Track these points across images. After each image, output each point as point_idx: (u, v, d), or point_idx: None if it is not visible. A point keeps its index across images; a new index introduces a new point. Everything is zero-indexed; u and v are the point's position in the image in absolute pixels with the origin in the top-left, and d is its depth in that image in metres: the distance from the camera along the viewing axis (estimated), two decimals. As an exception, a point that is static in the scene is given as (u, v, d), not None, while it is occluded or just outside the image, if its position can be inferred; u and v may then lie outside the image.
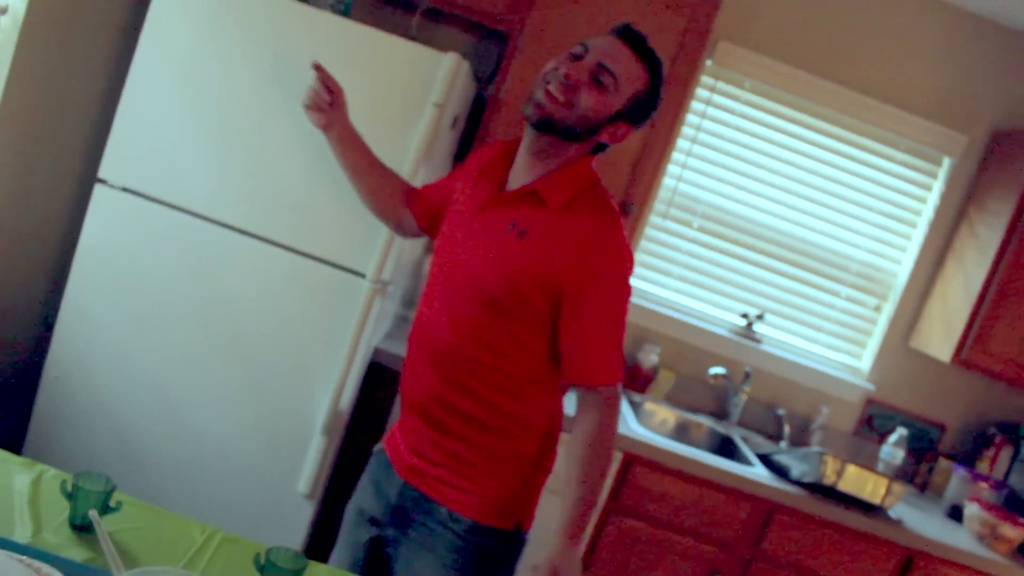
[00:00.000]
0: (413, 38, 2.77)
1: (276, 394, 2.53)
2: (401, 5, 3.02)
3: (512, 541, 1.77)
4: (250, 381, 2.53)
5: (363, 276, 2.46)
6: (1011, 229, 3.05)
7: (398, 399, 2.37)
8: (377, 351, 2.67)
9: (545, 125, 1.64)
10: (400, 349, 2.71)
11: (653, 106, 1.71)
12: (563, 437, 1.79)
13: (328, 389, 2.50)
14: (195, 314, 2.52)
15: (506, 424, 1.72)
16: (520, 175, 1.72)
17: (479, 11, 2.86)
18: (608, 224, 1.66)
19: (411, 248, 2.80)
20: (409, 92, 2.42)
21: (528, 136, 1.70)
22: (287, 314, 2.50)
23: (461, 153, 3.04)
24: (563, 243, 1.63)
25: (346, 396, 2.51)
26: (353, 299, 2.47)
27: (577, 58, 1.66)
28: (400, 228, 2.10)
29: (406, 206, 2.05)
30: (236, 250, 2.49)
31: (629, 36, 1.68)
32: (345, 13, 2.80)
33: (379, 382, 2.70)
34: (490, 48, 3.20)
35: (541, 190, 1.66)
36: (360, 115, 2.40)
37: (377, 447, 1.96)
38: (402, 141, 2.42)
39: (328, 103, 2.02)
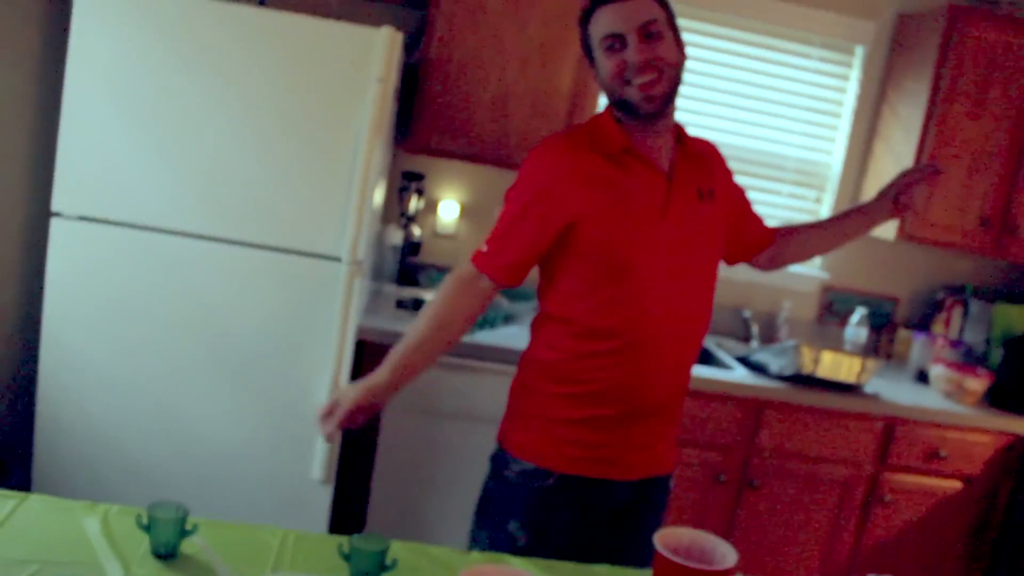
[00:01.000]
0: (337, 17, 2.78)
1: (274, 389, 2.57)
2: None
3: None
4: (246, 382, 2.56)
5: (338, 260, 2.50)
6: (931, 104, 3.20)
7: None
8: (361, 329, 2.71)
9: (662, 106, 1.76)
10: (380, 323, 2.76)
11: (673, 12, 1.80)
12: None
13: (325, 375, 2.54)
14: (178, 327, 2.53)
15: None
16: (664, 152, 1.83)
17: (396, -21, 2.87)
18: (704, 140, 2.00)
19: (374, 223, 2.84)
20: (349, 72, 2.44)
21: (644, 127, 1.79)
22: (270, 310, 2.53)
23: (401, 123, 3.06)
24: (722, 177, 1.96)
25: (343, 379, 2.56)
26: (332, 283, 2.51)
27: (614, 48, 1.72)
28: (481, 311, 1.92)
29: (498, 285, 1.85)
30: (206, 257, 2.50)
31: None
32: (261, 3, 2.79)
33: (366, 358, 2.74)
34: (411, 14, 3.21)
35: (703, 148, 1.94)
36: (303, 103, 2.44)
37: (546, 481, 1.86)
38: (351, 122, 2.45)
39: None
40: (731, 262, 2.13)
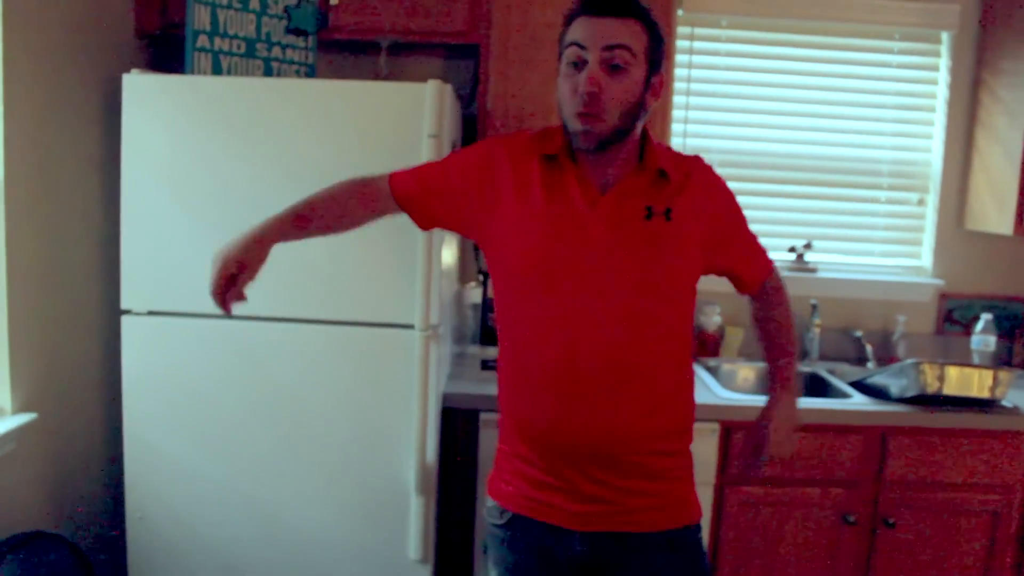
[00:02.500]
0: (385, 77, 2.71)
1: (360, 469, 2.46)
2: (363, 51, 2.96)
3: None
4: (330, 462, 2.46)
5: (412, 327, 2.39)
6: (1035, 83, 2.94)
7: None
8: (446, 396, 2.59)
9: (604, 144, 1.62)
10: (465, 387, 2.64)
11: (662, 42, 1.65)
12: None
13: (411, 449, 2.42)
14: (256, 413, 2.45)
15: None
16: (609, 169, 1.68)
17: (440, 32, 2.79)
18: (696, 158, 1.79)
19: (449, 284, 2.72)
20: (401, 132, 2.35)
21: (592, 156, 1.66)
22: (348, 385, 2.44)
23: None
24: (700, 199, 1.71)
25: (430, 450, 2.43)
26: (408, 352, 2.39)
27: (578, 65, 1.59)
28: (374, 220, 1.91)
29: (399, 205, 1.83)
30: (277, 338, 2.43)
31: (600, 7, 1.60)
32: (311, 75, 2.75)
33: (457, 425, 2.62)
34: (462, 66, 3.13)
35: (674, 167, 1.71)
36: (359, 169, 2.34)
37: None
38: (409, 182, 2.35)
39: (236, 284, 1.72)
40: (739, 291, 1.95)
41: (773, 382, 1.95)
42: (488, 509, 1.81)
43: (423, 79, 2.36)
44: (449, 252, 2.70)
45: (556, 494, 1.69)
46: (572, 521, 1.69)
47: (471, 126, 2.91)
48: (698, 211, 1.70)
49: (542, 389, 1.66)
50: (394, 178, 1.82)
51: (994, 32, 3.18)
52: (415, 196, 1.80)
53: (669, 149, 1.78)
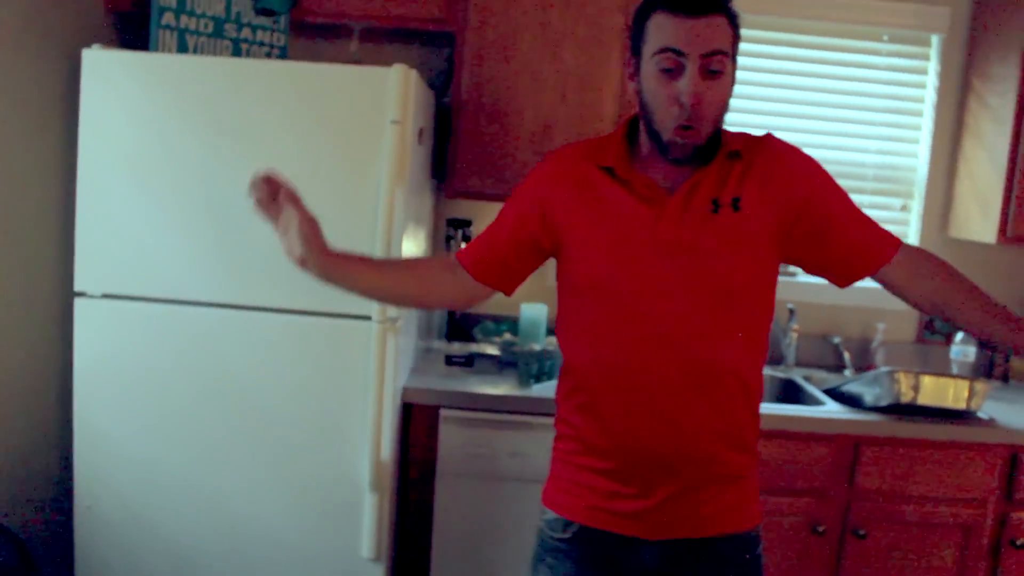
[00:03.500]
0: (359, 63, 2.64)
1: (314, 463, 2.40)
2: (338, 35, 2.89)
3: None
4: (283, 454, 2.40)
5: (369, 318, 2.32)
6: (1023, 89, 2.87)
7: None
8: (407, 391, 2.52)
9: (699, 151, 1.57)
10: (427, 382, 2.57)
11: (739, 32, 1.58)
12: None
13: (365, 442, 2.35)
14: (210, 402, 2.40)
15: None
16: (668, 174, 1.61)
17: (415, 18, 2.73)
18: (767, 135, 1.70)
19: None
20: (366, 117, 2.29)
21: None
22: (303, 377, 2.37)
23: (438, 166, 2.90)
24: (773, 180, 1.62)
25: (385, 446, 2.37)
26: (365, 344, 2.33)
27: (672, 71, 1.51)
28: (463, 303, 1.84)
29: (477, 280, 1.75)
30: (234, 326, 2.37)
31: (693, 6, 1.49)
32: (282, 57, 2.69)
33: (415, 420, 2.55)
34: (438, 54, 3.06)
35: (744, 147, 1.63)
36: (321, 156, 2.30)
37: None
38: (371, 171, 2.29)
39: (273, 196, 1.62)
40: (841, 283, 1.72)
41: (1009, 324, 1.65)
42: (547, 522, 1.74)
43: (394, 64, 2.30)
44: (415, 243, 2.64)
45: (627, 502, 1.64)
46: (643, 530, 1.64)
47: (446, 116, 2.84)
48: (772, 193, 1.61)
49: (614, 397, 1.62)
50: (467, 261, 1.75)
51: (984, 36, 3.11)
52: (492, 269, 1.74)
53: (740, 132, 1.68)
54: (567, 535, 1.69)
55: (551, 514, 1.73)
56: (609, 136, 1.69)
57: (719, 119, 1.57)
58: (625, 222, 1.60)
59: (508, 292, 1.78)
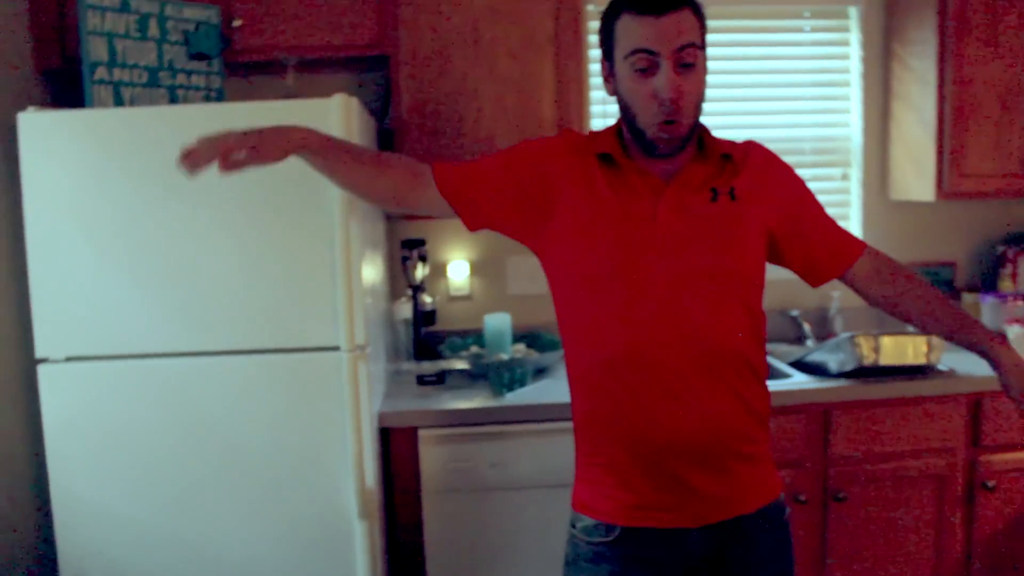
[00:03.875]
0: (295, 96, 2.65)
1: (299, 500, 2.39)
2: (271, 71, 2.89)
3: None
4: (268, 497, 2.39)
5: (337, 349, 2.33)
6: (942, 50, 2.96)
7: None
8: (383, 416, 2.53)
9: (683, 143, 1.63)
10: (402, 405, 2.59)
11: (704, 19, 1.62)
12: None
13: (349, 474, 2.36)
14: (188, 452, 2.37)
15: None
16: (663, 166, 1.66)
17: (348, 46, 2.75)
18: (750, 142, 1.79)
19: (376, 302, 2.67)
20: (310, 150, 2.29)
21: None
22: (278, 416, 2.36)
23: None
24: (760, 180, 1.70)
25: (368, 473, 2.38)
26: (337, 375, 2.33)
27: (647, 70, 1.56)
28: (416, 208, 1.80)
29: (442, 195, 1.74)
30: (201, 373, 2.35)
31: (659, 5, 1.54)
32: (219, 99, 2.68)
33: (396, 445, 2.56)
34: (373, 79, 3.08)
35: (732, 150, 1.71)
36: (272, 195, 2.29)
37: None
38: (324, 203, 2.29)
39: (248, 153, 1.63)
40: (807, 280, 1.83)
41: (976, 341, 1.77)
42: (584, 528, 1.71)
43: (333, 95, 2.31)
44: (373, 269, 2.65)
45: (666, 495, 1.65)
46: (685, 520, 1.65)
47: (387, 139, 2.86)
48: (760, 193, 1.68)
49: (633, 390, 1.62)
50: (437, 167, 1.76)
51: (899, 3, 3.21)
52: (460, 188, 1.74)
53: (725, 139, 1.75)
54: (610, 539, 1.68)
55: (588, 520, 1.71)
56: (604, 130, 1.73)
57: (698, 109, 1.62)
58: (625, 210, 1.63)
59: (469, 224, 1.77)
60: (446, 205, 1.74)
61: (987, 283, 3.43)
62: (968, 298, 3.33)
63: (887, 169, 3.34)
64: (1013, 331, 2.93)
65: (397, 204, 1.78)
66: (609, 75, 1.65)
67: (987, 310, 3.15)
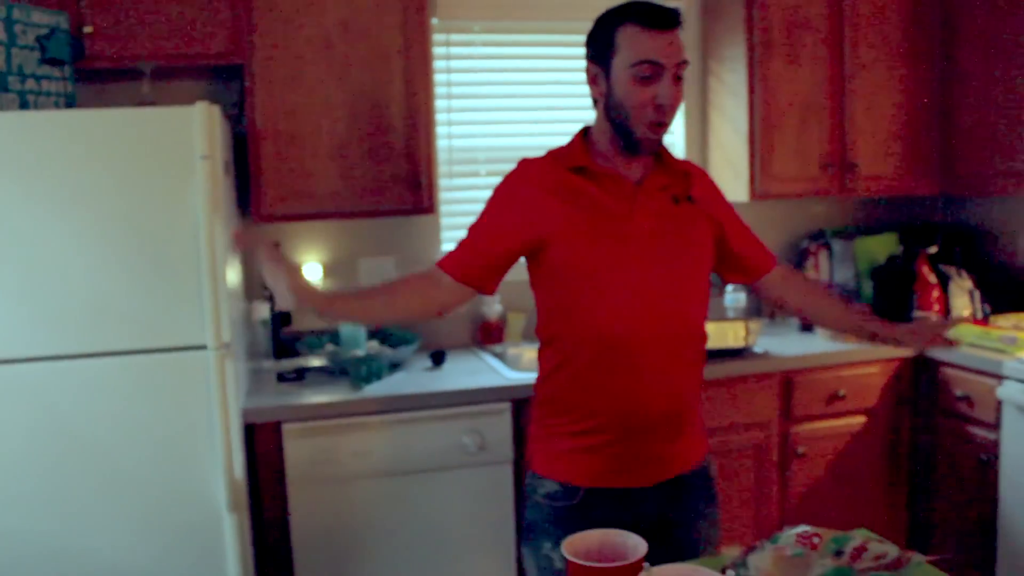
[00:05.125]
0: (150, 103, 2.70)
1: (169, 498, 2.44)
2: (126, 77, 2.92)
3: None
4: (139, 498, 2.42)
5: (204, 348, 2.41)
6: (750, 65, 3.32)
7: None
8: (247, 412, 2.62)
9: (658, 148, 1.87)
10: (265, 401, 2.68)
11: None
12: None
13: (218, 468, 2.43)
14: (54, 462, 2.37)
15: None
16: (634, 168, 1.87)
17: (203, 55, 2.81)
18: (687, 161, 2.06)
19: (236, 302, 2.75)
20: (172, 155, 2.36)
21: (631, 157, 1.86)
22: (146, 416, 2.41)
23: (242, 197, 3.00)
24: (703, 190, 1.98)
25: (237, 466, 2.46)
26: (204, 373, 2.40)
27: (646, 79, 1.75)
28: (443, 309, 1.98)
29: (460, 283, 1.92)
30: (66, 378, 2.36)
31: (665, 21, 1.75)
32: (71, 105, 2.69)
33: (259, 440, 2.65)
34: (228, 86, 3.14)
35: (686, 167, 1.96)
36: (133, 198, 2.35)
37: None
38: (186, 206, 2.37)
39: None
40: (725, 280, 2.16)
41: (875, 330, 2.11)
42: (549, 493, 1.90)
43: (189, 102, 2.38)
44: (233, 271, 2.73)
45: (630, 460, 1.87)
46: (643, 479, 1.89)
47: (242, 145, 2.94)
48: (706, 201, 1.97)
49: (610, 369, 1.83)
50: (451, 267, 1.90)
51: (713, 23, 3.56)
52: (474, 273, 1.92)
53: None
54: (575, 501, 1.87)
55: (553, 484, 1.90)
56: (569, 145, 1.93)
57: (674, 119, 1.85)
58: (605, 215, 1.83)
59: (490, 292, 1.98)
60: (468, 290, 1.94)
61: (794, 275, 3.82)
62: (778, 288, 3.71)
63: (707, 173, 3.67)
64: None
65: (423, 315, 1.99)
66: (598, 79, 1.85)
67: (794, 298, 3.52)
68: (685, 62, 1.78)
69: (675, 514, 1.93)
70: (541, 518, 1.91)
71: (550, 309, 1.93)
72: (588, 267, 1.83)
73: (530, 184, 1.88)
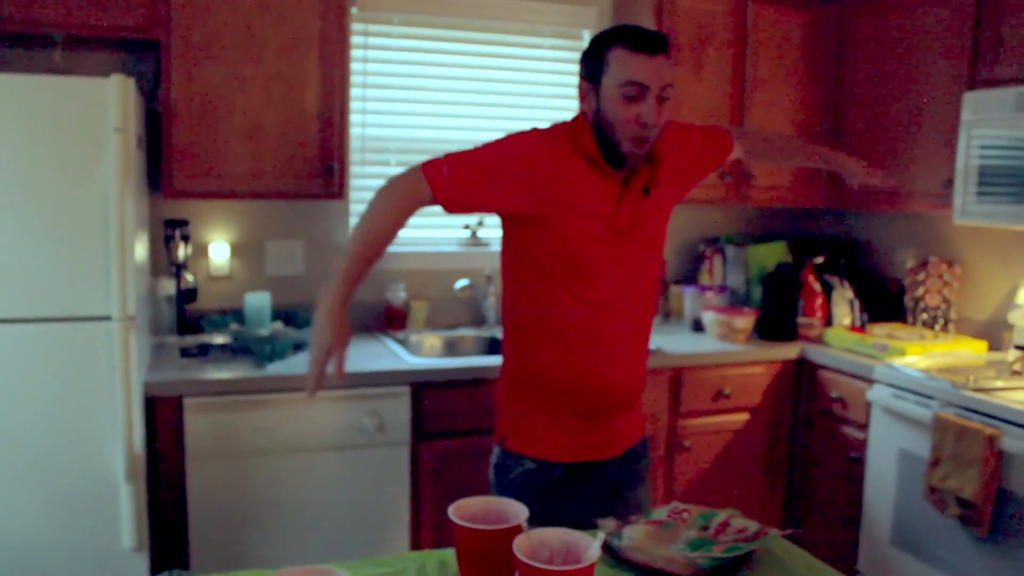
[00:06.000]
0: (61, 72, 2.69)
1: (67, 466, 2.46)
2: (36, 45, 2.90)
3: None
4: (35, 466, 2.44)
5: (109, 319, 2.43)
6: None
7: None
8: (148, 385, 2.64)
9: (644, 159, 1.99)
10: (167, 375, 2.71)
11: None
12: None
13: (117, 439, 2.45)
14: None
15: None
16: (623, 170, 2.01)
17: (119, 27, 2.79)
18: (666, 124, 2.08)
19: (142, 277, 2.77)
20: (84, 126, 2.38)
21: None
22: (47, 384, 2.43)
23: (155, 171, 3.00)
24: (672, 156, 2.09)
25: (136, 438, 2.49)
26: (108, 344, 2.43)
27: (632, 98, 1.89)
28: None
29: (446, 208, 2.03)
30: (-35, 342, 2.37)
31: (653, 45, 1.90)
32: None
33: (160, 413, 2.67)
34: (143, 59, 3.14)
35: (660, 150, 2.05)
36: (42, 166, 2.36)
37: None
38: (96, 177, 2.39)
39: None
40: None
41: (828, 161, 2.64)
42: (528, 471, 2.06)
43: (102, 73, 2.39)
44: (140, 245, 2.74)
45: (595, 433, 2.08)
46: (612, 450, 2.12)
47: (155, 121, 2.95)
48: (670, 173, 2.10)
49: (589, 349, 2.02)
50: (441, 189, 1.96)
51: (624, 31, 3.69)
52: (459, 204, 2.00)
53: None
54: (554, 477, 2.06)
55: (531, 462, 2.07)
56: (580, 130, 2.00)
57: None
58: (600, 204, 1.99)
59: (453, 211, 2.06)
60: (433, 206, 2.02)
61: (690, 277, 4.00)
62: (674, 290, 3.87)
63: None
64: (707, 316, 3.48)
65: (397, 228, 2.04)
66: (588, 95, 1.98)
67: (688, 298, 3.69)
68: (670, 84, 1.92)
69: (624, 479, 2.16)
70: (518, 495, 2.00)
71: (528, 286, 2.06)
72: (576, 255, 1.99)
73: (551, 159, 1.98)
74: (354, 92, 3.41)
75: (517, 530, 1.28)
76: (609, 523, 1.61)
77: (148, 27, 2.83)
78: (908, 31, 3.34)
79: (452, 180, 1.96)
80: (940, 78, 3.20)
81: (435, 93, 3.59)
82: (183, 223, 3.17)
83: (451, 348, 3.48)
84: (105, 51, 3.11)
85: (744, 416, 3.40)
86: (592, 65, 1.97)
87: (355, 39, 3.42)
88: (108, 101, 2.36)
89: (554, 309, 2.03)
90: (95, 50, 3.08)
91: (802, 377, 3.46)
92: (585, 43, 3.66)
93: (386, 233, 1.98)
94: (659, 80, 1.90)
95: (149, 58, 3.10)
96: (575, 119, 2.05)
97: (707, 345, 3.38)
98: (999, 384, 2.78)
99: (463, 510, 1.35)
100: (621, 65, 1.90)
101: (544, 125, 2.06)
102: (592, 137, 1.99)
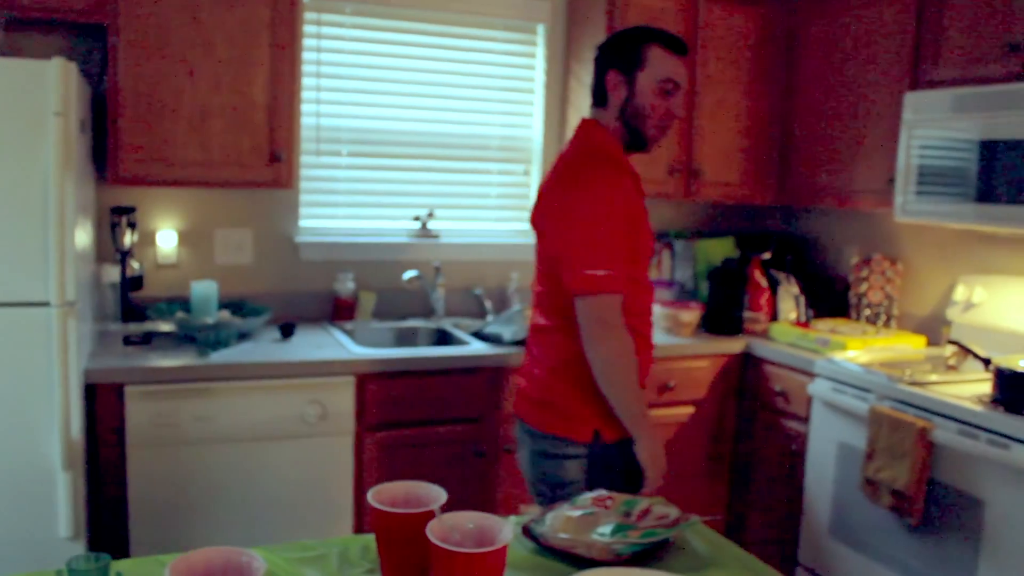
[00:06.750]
0: (4, 54, 2.66)
1: (4, 454, 2.43)
2: (-24, 26, 2.87)
3: None
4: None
5: (47, 304, 2.41)
6: (608, 70, 3.49)
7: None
8: (89, 372, 2.62)
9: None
10: (109, 362, 2.69)
11: None
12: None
13: (54, 427, 2.43)
14: None
15: None
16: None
17: (64, 9, 2.77)
18: None
19: (85, 263, 2.75)
20: (23, 110, 2.35)
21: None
22: (-19, 369, 2.40)
23: (99, 158, 2.98)
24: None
25: (75, 426, 2.47)
26: (46, 330, 2.41)
27: (669, 93, 2.22)
28: None
29: None
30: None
31: (684, 49, 2.25)
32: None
33: (100, 400, 2.66)
34: (90, 44, 3.11)
35: None
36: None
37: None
38: (36, 162, 2.37)
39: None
40: None
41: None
42: (580, 454, 2.24)
43: (45, 56, 2.37)
44: (83, 232, 2.72)
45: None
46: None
47: (103, 105, 2.92)
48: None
49: (640, 334, 2.28)
50: (618, 286, 2.17)
51: (577, 26, 3.72)
52: (624, 270, 2.20)
53: None
54: (607, 454, 2.26)
55: (580, 447, 2.25)
56: (615, 151, 2.28)
57: None
58: (642, 205, 2.30)
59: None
60: None
61: (640, 272, 4.03)
62: (623, 283, 3.91)
63: (563, 169, 3.84)
64: (655, 309, 3.50)
65: None
66: (622, 85, 2.23)
67: (637, 293, 3.72)
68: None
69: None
70: (570, 477, 2.26)
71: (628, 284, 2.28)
72: (644, 253, 2.30)
73: (630, 186, 2.25)
74: (308, 82, 3.41)
75: (432, 515, 1.30)
76: (532, 509, 1.64)
77: (95, 11, 2.80)
78: (856, 32, 3.39)
79: (618, 273, 2.16)
80: (885, 79, 3.26)
81: (389, 84, 3.59)
82: (130, 210, 3.16)
83: (399, 339, 3.48)
84: (50, 33, 3.07)
85: (689, 409, 3.44)
86: (626, 59, 2.22)
87: (308, 28, 3.41)
88: (48, 85, 2.34)
89: (631, 297, 2.22)
90: (40, 32, 3.05)
91: (747, 371, 3.51)
92: (540, 37, 3.73)
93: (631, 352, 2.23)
94: (686, 79, 2.26)
95: (97, 42, 3.07)
96: (591, 132, 2.32)
97: (654, 337, 3.41)
98: (934, 378, 2.84)
99: (383, 494, 1.36)
100: (660, 62, 2.20)
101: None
102: (623, 150, 2.29)
